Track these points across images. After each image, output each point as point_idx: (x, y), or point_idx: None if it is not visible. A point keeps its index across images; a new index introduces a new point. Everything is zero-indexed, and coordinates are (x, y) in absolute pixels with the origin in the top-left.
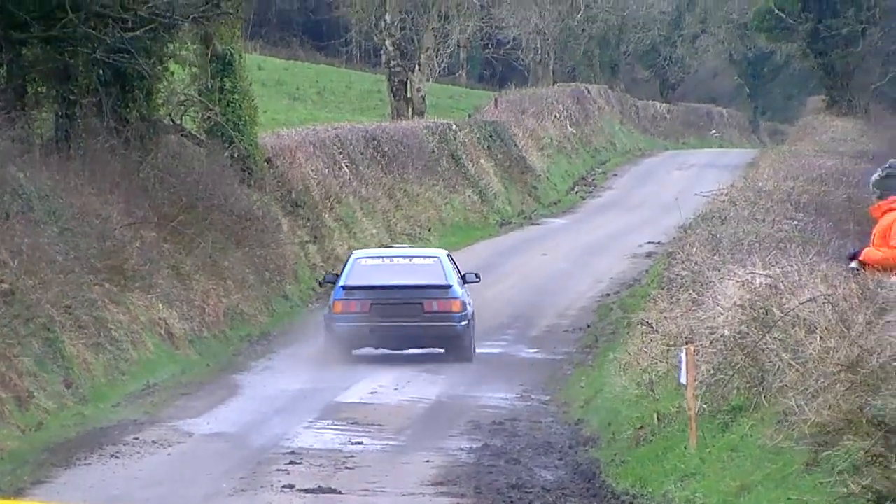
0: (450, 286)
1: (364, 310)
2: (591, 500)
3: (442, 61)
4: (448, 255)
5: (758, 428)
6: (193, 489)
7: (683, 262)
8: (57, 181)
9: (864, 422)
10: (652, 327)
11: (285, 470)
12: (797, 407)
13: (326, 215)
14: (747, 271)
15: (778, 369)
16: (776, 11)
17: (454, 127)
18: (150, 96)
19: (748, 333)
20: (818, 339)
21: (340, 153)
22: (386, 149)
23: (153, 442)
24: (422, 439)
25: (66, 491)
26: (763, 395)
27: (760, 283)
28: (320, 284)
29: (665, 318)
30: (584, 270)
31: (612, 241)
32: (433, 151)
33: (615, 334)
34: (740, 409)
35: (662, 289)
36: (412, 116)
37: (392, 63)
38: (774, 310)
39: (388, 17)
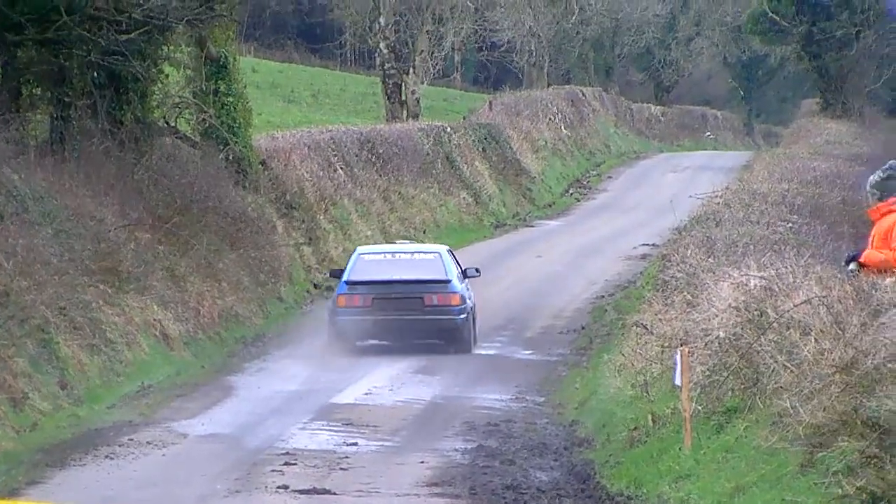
0: (449, 281)
1: (366, 304)
2: (586, 501)
3: (436, 64)
4: (449, 251)
5: (752, 429)
6: (188, 490)
7: (678, 264)
8: (51, 183)
9: (859, 423)
10: (647, 329)
11: (280, 471)
12: (792, 408)
13: (321, 217)
14: (742, 273)
15: (773, 371)
16: (770, 14)
17: (449, 129)
18: (144, 99)
19: (743, 335)
20: (813, 340)
21: (335, 155)
22: (381, 151)
23: (148, 443)
24: (417, 440)
25: (60, 491)
26: (758, 397)
27: (755, 285)
28: (329, 275)
29: (660, 319)
30: (578, 272)
31: (607, 243)
32: (428, 154)
33: (610, 336)
34: (735, 411)
35: (657, 290)
36: (407, 119)
37: (386, 65)
38: (769, 311)
39: (382, 20)
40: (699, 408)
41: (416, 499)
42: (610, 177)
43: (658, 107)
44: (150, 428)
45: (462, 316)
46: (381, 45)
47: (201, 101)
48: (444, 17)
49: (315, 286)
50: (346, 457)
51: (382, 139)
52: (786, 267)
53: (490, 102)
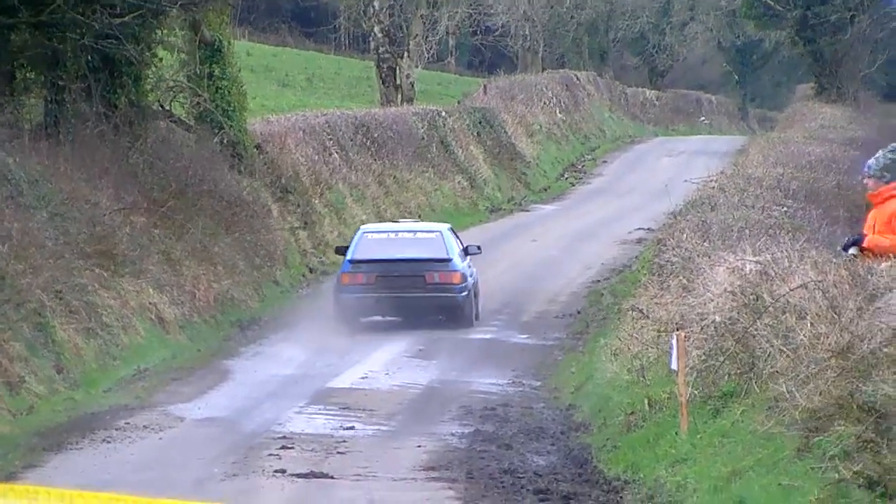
0: (450, 259)
1: (370, 281)
2: (583, 485)
3: (431, 48)
4: (450, 229)
5: (749, 414)
6: (185, 474)
7: (674, 249)
8: (46, 167)
9: (855, 407)
10: (643, 313)
11: (277, 455)
12: (788, 393)
13: (316, 201)
14: (737, 258)
15: (769, 355)
16: None
17: (443, 113)
18: (138, 82)
19: (739, 319)
20: (809, 325)
21: (330, 139)
22: (375, 135)
23: (144, 427)
24: (413, 424)
25: (57, 475)
26: (754, 381)
27: (751, 270)
28: (335, 252)
29: (656, 304)
30: (573, 257)
31: (602, 228)
32: (423, 138)
33: (606, 320)
34: (731, 395)
35: (653, 275)
36: (401, 103)
37: (381, 50)
38: (765, 296)
39: (376, 4)
40: (695, 392)
41: (414, 483)
42: (605, 161)
43: (653, 91)
44: (147, 412)
45: (463, 293)
46: (376, 28)
47: (196, 84)
48: (439, 0)
49: (310, 270)
50: (343, 441)
51: (377, 123)
52: (781, 251)
53: (485, 86)
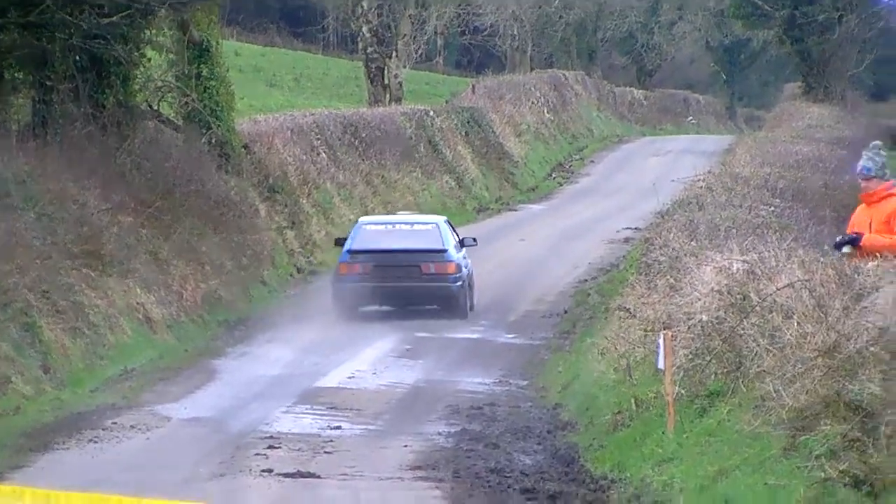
0: (445, 250)
1: (367, 271)
2: (570, 484)
3: (419, 48)
4: (447, 221)
5: (735, 413)
6: (172, 474)
7: (661, 248)
8: (34, 167)
9: (842, 406)
10: (630, 312)
11: (264, 454)
12: (775, 392)
13: (304, 201)
14: (724, 257)
15: (755, 354)
16: None
17: (431, 113)
18: (126, 82)
19: (726, 319)
20: (795, 324)
21: (318, 139)
22: (363, 135)
23: (131, 426)
24: (400, 424)
25: (43, 475)
26: (741, 381)
27: (738, 269)
28: (335, 243)
29: (643, 303)
30: (561, 256)
31: (590, 227)
32: (410, 138)
33: (593, 319)
34: (718, 394)
35: (640, 274)
36: (389, 103)
37: (369, 49)
38: (752, 295)
39: (365, 4)
40: (682, 391)
41: (400, 482)
42: (592, 161)
43: (640, 91)
44: (134, 411)
45: (458, 283)
46: (364, 28)
47: (184, 84)
48: (427, 0)
49: (298, 270)
50: (330, 440)
51: (365, 123)
52: (768, 250)
53: (473, 86)
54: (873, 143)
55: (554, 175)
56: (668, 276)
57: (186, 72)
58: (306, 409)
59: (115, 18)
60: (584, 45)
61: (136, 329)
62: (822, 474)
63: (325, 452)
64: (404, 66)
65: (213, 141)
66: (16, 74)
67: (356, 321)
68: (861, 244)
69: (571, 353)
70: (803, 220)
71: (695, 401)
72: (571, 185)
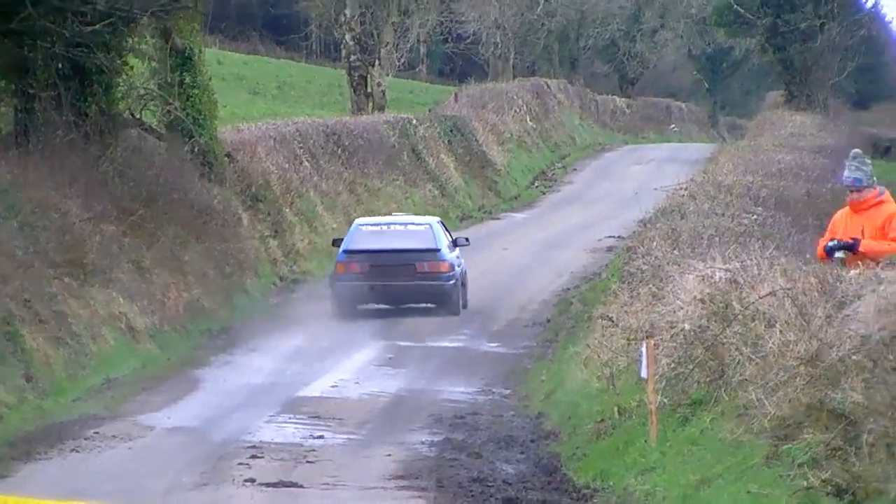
0: (438, 250)
1: (363, 270)
2: (553, 493)
3: (402, 56)
4: (440, 222)
5: (718, 421)
6: (154, 483)
7: (643, 257)
8: (16, 175)
9: (824, 415)
10: (612, 321)
11: (246, 464)
12: (757, 400)
13: (287, 210)
14: (707, 265)
15: (738, 363)
16: (735, 6)
17: (414, 121)
18: (109, 90)
19: (708, 327)
20: (778, 332)
21: (301, 148)
22: (346, 143)
23: (114, 436)
24: (383, 433)
25: (26, 485)
26: (723, 389)
27: (720, 278)
28: (332, 244)
29: (625, 311)
30: (544, 264)
31: (573, 236)
32: (393, 146)
33: (576, 328)
34: (700, 403)
35: (623, 283)
36: (372, 111)
37: (352, 58)
38: (734, 304)
39: (348, 12)
40: (665, 400)
41: (383, 492)
42: (575, 169)
43: (623, 99)
44: (116, 421)
45: (451, 282)
46: (347, 36)
47: (166, 92)
48: (410, 8)
49: (281, 279)
50: (313, 450)
51: (348, 131)
52: (751, 259)
53: (456, 94)
54: (854, 151)
55: (536, 183)
56: (651, 285)
57: (169, 80)
58: (289, 418)
59: (97, 26)
60: (567, 53)
61: (118, 338)
62: (805, 483)
63: (308, 462)
64: (387, 75)
65: (196, 149)
66: None
67: (339, 329)
68: (860, 250)
69: (554, 361)
70: (786, 228)
71: (677, 409)
72: (554, 193)
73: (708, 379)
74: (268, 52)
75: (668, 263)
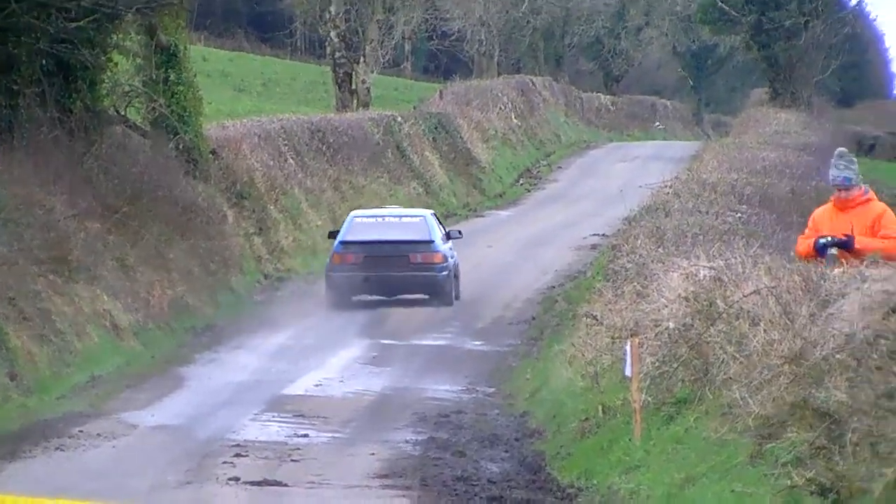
0: (432, 241)
1: (358, 261)
2: (537, 492)
3: (387, 53)
4: (433, 215)
5: (702, 420)
6: (139, 481)
7: (628, 255)
8: (0, 172)
9: (808, 414)
10: (597, 319)
11: (231, 462)
12: (741, 399)
13: (272, 207)
14: (691, 263)
15: (722, 362)
16: (720, 4)
17: (399, 119)
18: (93, 87)
19: (693, 326)
20: (762, 331)
21: (286, 145)
22: (331, 140)
23: (98, 434)
24: (367, 432)
25: (10, 483)
26: (707, 388)
27: (704, 276)
28: (328, 236)
29: (610, 310)
30: (529, 262)
31: (557, 233)
32: (378, 143)
33: (560, 326)
34: (685, 402)
35: (607, 281)
36: (357, 108)
37: (337, 55)
38: (718, 302)
39: (332, 9)
40: (649, 399)
41: (368, 490)
42: (560, 167)
43: (608, 96)
44: (101, 419)
45: (444, 273)
46: (332, 33)
47: (151, 89)
48: (395, 5)
49: (265, 276)
50: (297, 448)
51: (333, 128)
52: (735, 257)
53: (440, 92)
54: (840, 150)
55: (521, 181)
56: (636, 283)
57: (154, 77)
58: (273, 416)
59: (82, 23)
60: (552, 50)
61: (102, 336)
62: (789, 482)
63: (293, 460)
64: (372, 72)
65: (181, 146)
66: None
67: (323, 327)
68: (856, 247)
69: (539, 360)
70: (770, 226)
71: (662, 408)
72: (539, 191)
73: (692, 377)
74: (253, 49)
75: (652, 261)
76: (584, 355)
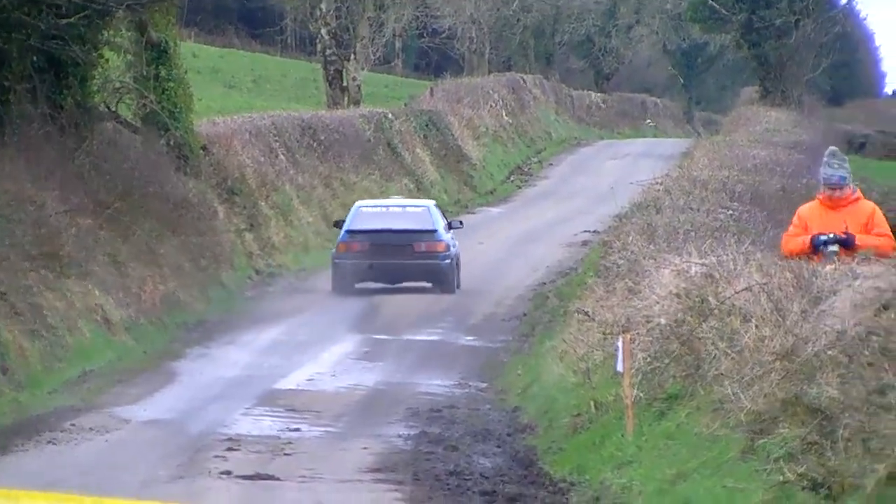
0: (435, 230)
1: (364, 249)
2: (529, 487)
3: (377, 50)
4: (436, 205)
5: (694, 416)
6: (131, 476)
7: (619, 251)
8: None
9: (800, 410)
10: (588, 315)
11: (223, 457)
12: (733, 395)
13: (262, 203)
14: (683, 260)
15: (714, 358)
16: (710, 2)
17: (390, 116)
18: (84, 83)
19: (684, 322)
20: (754, 327)
21: (276, 141)
22: (322, 137)
23: (90, 429)
24: (359, 426)
25: (2, 478)
26: (699, 384)
27: (696, 272)
28: (333, 226)
29: (601, 306)
30: (520, 259)
31: (548, 230)
32: (369, 140)
33: (552, 322)
34: (676, 398)
35: (599, 277)
36: (348, 105)
37: (328, 52)
38: (710, 298)
39: (323, 6)
40: (641, 394)
41: (360, 484)
42: (551, 164)
43: (598, 94)
44: (92, 413)
45: (447, 261)
46: (323, 30)
47: (142, 86)
48: (385, 3)
49: (256, 272)
50: (290, 442)
51: (324, 125)
52: (726, 254)
53: (431, 89)
54: (831, 149)
55: (512, 178)
56: (627, 279)
57: (144, 73)
58: (265, 411)
59: (72, 19)
60: (542, 48)
61: (94, 331)
62: (781, 477)
63: (285, 454)
64: (363, 69)
65: (172, 142)
66: None
67: (315, 322)
68: (857, 244)
69: (531, 355)
70: (761, 223)
71: (653, 404)
72: (530, 188)
73: (684, 373)
74: (243, 45)
75: (643, 258)
76: (575, 351)
